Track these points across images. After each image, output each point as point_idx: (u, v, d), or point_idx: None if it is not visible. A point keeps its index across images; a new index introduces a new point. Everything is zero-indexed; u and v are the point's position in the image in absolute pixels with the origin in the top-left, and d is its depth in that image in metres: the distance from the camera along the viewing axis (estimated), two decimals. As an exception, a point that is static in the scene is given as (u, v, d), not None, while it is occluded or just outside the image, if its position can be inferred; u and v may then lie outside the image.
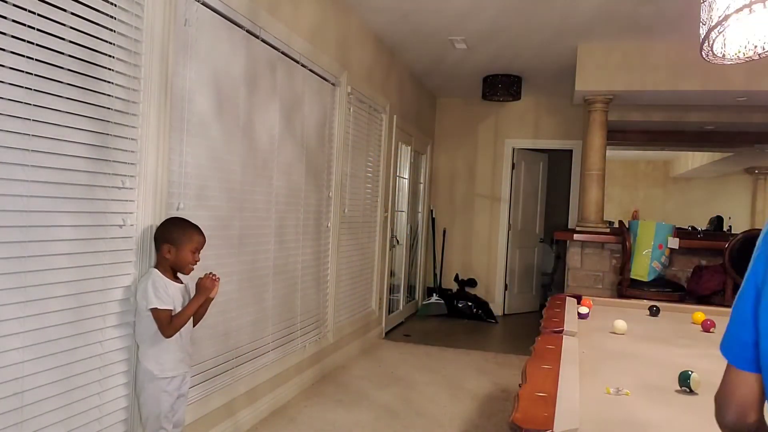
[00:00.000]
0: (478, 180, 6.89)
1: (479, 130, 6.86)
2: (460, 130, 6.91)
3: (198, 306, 2.08)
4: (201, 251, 2.11)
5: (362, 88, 4.21)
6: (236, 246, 2.78)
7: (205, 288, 2.09)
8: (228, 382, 2.76)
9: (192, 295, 2.10)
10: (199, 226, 2.12)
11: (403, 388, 3.78)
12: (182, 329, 2.04)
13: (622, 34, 4.50)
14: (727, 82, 4.51)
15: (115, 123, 1.95)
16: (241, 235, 2.82)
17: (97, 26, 1.85)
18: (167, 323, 1.97)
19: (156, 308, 1.96)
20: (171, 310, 1.99)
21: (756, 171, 8.83)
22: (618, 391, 1.43)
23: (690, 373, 1.47)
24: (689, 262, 4.71)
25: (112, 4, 1.91)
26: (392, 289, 5.78)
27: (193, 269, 2.09)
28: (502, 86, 5.74)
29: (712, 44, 2.41)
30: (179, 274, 2.09)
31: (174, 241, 2.03)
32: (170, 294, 2.00)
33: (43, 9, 1.66)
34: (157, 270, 2.04)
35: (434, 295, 6.54)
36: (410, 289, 6.47)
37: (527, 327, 6.00)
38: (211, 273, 2.13)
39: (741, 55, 2.33)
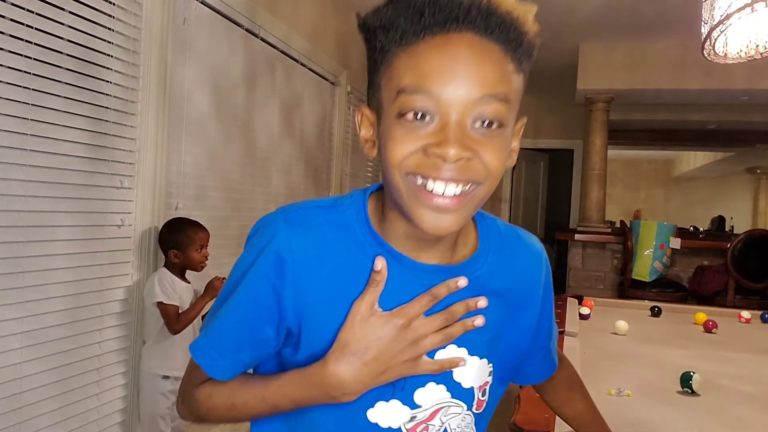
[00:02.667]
0: (479, 180, 6.88)
1: (480, 130, 6.85)
2: (460, 129, 6.89)
3: (205, 304, 2.09)
4: (207, 246, 2.13)
5: (362, 88, 4.19)
6: (235, 246, 2.77)
7: (214, 288, 2.10)
8: (227, 382, 2.75)
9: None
10: (200, 222, 2.13)
11: (404, 388, 3.76)
12: (191, 330, 2.05)
13: (623, 32, 4.48)
14: (729, 81, 4.50)
15: (113, 122, 1.94)
16: (240, 235, 2.80)
17: (95, 25, 1.84)
18: (174, 319, 1.98)
19: (162, 302, 1.97)
20: (178, 306, 2.00)
21: (758, 171, 8.81)
22: (619, 392, 1.42)
23: (692, 374, 1.45)
24: (691, 263, 4.69)
25: (110, 2, 1.90)
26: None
27: (205, 265, 2.11)
28: (502, 86, 5.72)
29: (714, 43, 2.40)
30: (187, 276, 2.10)
31: (178, 245, 2.04)
32: (177, 291, 2.01)
33: (41, 8, 1.65)
34: (165, 268, 2.05)
35: (435, 295, 6.52)
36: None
37: (528, 327, 5.98)
38: (224, 278, 2.14)
39: (743, 54, 2.32)
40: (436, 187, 0.59)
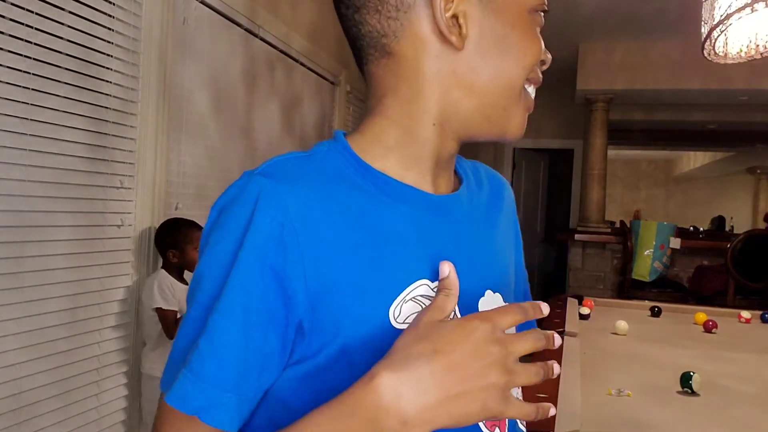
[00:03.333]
0: (478, 180, 6.88)
1: (480, 130, 6.85)
2: (460, 129, 6.89)
3: None
4: None
5: (362, 87, 4.19)
6: (235, 246, 2.77)
7: None
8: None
9: None
10: (196, 221, 2.13)
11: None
12: None
13: (623, 32, 4.48)
14: (729, 81, 4.50)
15: (113, 122, 1.94)
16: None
17: (95, 25, 1.84)
18: (172, 324, 1.98)
19: (160, 308, 1.97)
20: (176, 311, 2.00)
21: (758, 171, 8.81)
22: (620, 392, 1.42)
23: (692, 374, 1.45)
24: (691, 263, 4.70)
25: (110, 3, 1.90)
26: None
27: None
28: (502, 86, 5.72)
29: (714, 43, 2.39)
30: (186, 277, 2.10)
31: (176, 245, 2.04)
32: (176, 296, 2.01)
33: (41, 8, 1.65)
34: (164, 271, 2.05)
35: (435, 295, 6.52)
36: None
37: (528, 327, 5.99)
38: None
39: (743, 54, 2.32)
40: (533, 91, 0.59)
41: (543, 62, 0.58)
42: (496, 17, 0.54)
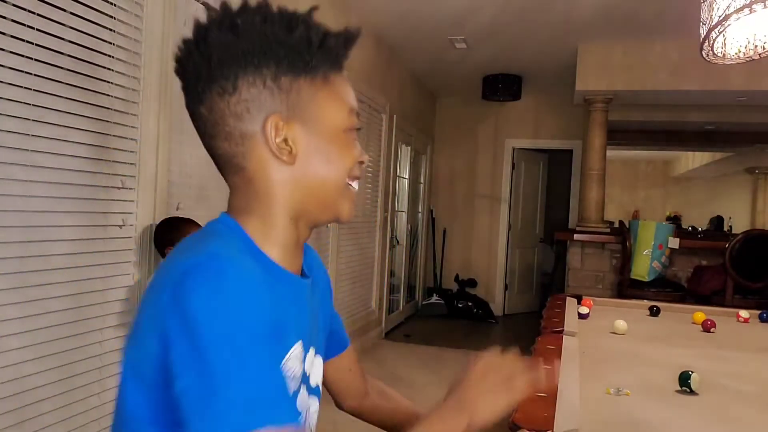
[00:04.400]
0: (478, 180, 6.89)
1: (479, 130, 6.86)
2: (460, 130, 6.91)
3: None
4: None
5: (361, 88, 4.21)
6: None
7: None
8: (228, 382, 2.76)
9: None
10: (194, 219, 2.13)
11: (403, 388, 3.77)
12: None
13: (622, 33, 4.49)
14: (728, 81, 4.50)
15: (114, 123, 1.95)
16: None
17: (96, 26, 1.85)
18: None
19: None
20: None
21: (756, 171, 8.82)
22: (618, 392, 1.43)
23: (690, 373, 1.46)
24: (689, 262, 4.71)
25: (111, 4, 1.91)
26: (392, 289, 5.77)
27: None
28: (502, 86, 5.74)
29: (713, 44, 2.40)
30: None
31: (173, 242, 2.04)
32: None
33: (43, 9, 1.66)
34: None
35: (434, 295, 6.54)
36: (410, 289, 6.47)
37: (527, 327, 6.00)
38: None
39: (741, 55, 2.33)
40: (357, 185, 0.76)
41: (361, 162, 0.75)
42: (318, 137, 0.71)
